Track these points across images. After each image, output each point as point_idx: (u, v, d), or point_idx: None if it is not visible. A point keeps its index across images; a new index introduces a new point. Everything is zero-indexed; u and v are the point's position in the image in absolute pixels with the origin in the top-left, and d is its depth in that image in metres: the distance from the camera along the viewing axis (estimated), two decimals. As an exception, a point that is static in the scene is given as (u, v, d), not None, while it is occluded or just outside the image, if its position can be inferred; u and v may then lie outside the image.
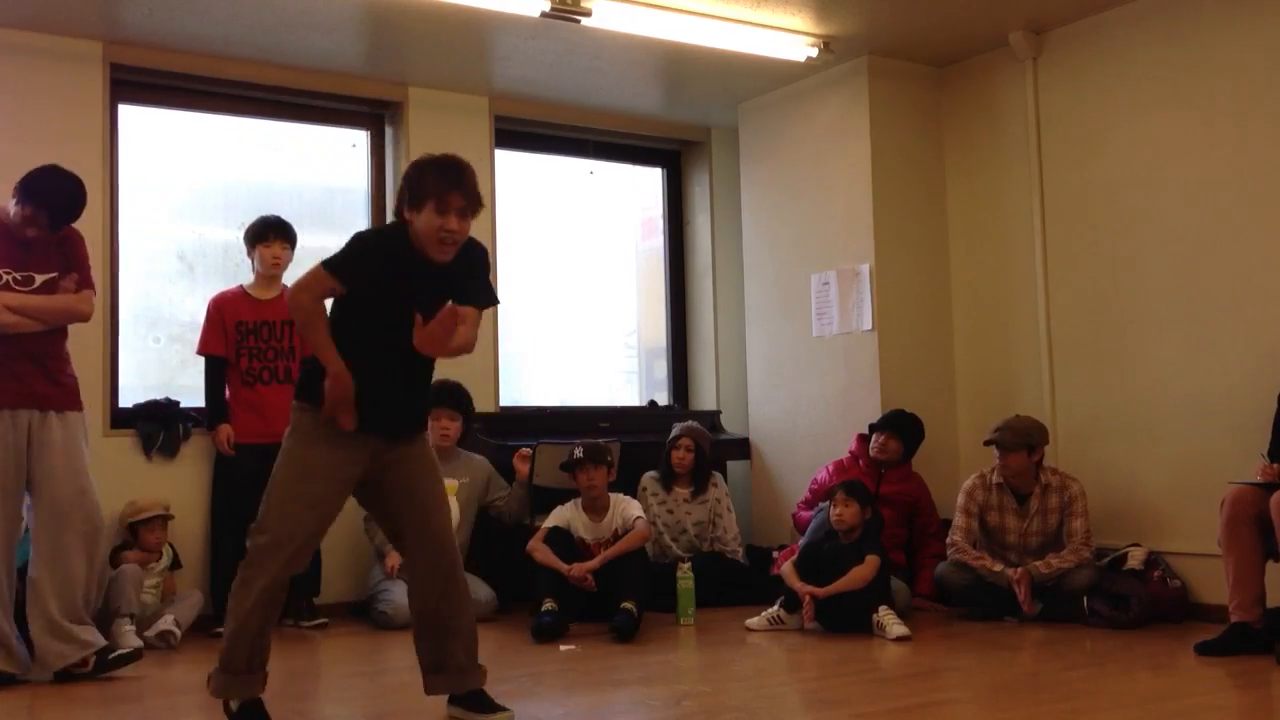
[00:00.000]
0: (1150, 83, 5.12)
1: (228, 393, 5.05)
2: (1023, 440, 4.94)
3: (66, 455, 3.92)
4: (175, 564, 4.84)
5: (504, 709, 3.25)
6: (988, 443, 5.01)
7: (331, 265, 3.05)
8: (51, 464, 3.89)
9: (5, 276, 3.91)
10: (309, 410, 3.09)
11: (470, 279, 3.21)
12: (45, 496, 3.89)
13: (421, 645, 3.27)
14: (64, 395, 3.98)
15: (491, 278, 3.43)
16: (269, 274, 5.12)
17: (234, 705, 3.10)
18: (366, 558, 5.33)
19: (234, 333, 5.02)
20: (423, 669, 3.28)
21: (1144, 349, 5.11)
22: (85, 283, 4.09)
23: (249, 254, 5.16)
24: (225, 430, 4.98)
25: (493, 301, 3.28)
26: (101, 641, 3.98)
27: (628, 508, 4.99)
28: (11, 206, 3.94)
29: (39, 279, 3.97)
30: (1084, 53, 5.38)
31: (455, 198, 3.02)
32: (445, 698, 3.29)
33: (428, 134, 5.92)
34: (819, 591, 4.64)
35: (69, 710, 3.57)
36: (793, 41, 5.47)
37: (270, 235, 5.09)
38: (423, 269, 3.08)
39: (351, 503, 5.06)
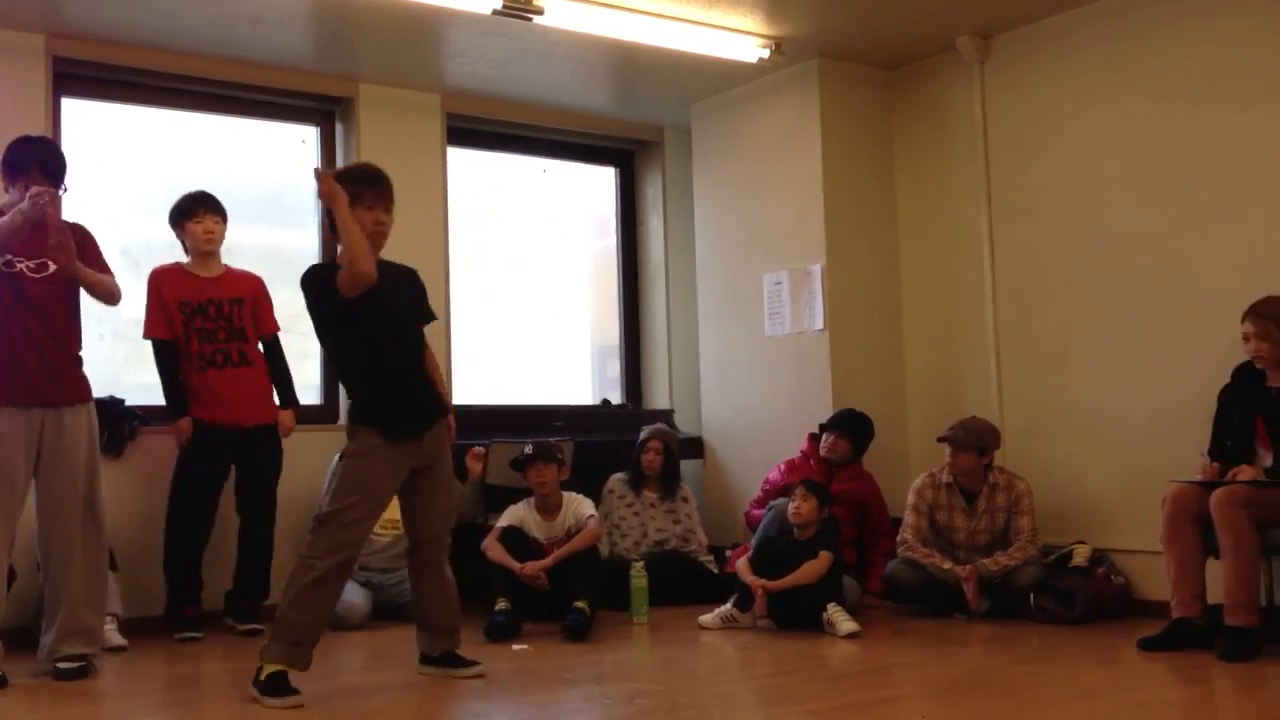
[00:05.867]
0: (1094, 86, 5.20)
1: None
2: (975, 441, 5.00)
3: (74, 450, 3.90)
4: (111, 565, 4.69)
5: (476, 663, 3.84)
6: (941, 439, 5.06)
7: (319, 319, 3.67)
8: (61, 459, 3.87)
9: (19, 264, 3.89)
10: (366, 433, 3.60)
11: (420, 298, 3.86)
12: (55, 490, 3.88)
13: (425, 613, 3.83)
14: (73, 389, 3.95)
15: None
16: (204, 250, 4.87)
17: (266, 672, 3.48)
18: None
19: (178, 313, 4.81)
20: (427, 633, 3.85)
21: (1089, 349, 5.19)
22: (103, 268, 4.13)
23: (179, 235, 4.93)
24: (186, 423, 4.78)
25: (431, 316, 3.89)
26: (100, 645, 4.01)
27: (580, 506, 4.98)
28: (7, 195, 3.91)
29: (54, 267, 3.94)
30: (1030, 57, 5.46)
31: (380, 199, 3.64)
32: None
33: (378, 131, 5.87)
34: (771, 585, 4.66)
35: (22, 711, 3.51)
36: (744, 43, 5.50)
37: (199, 210, 4.87)
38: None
39: (294, 505, 5.03)
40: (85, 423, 3.99)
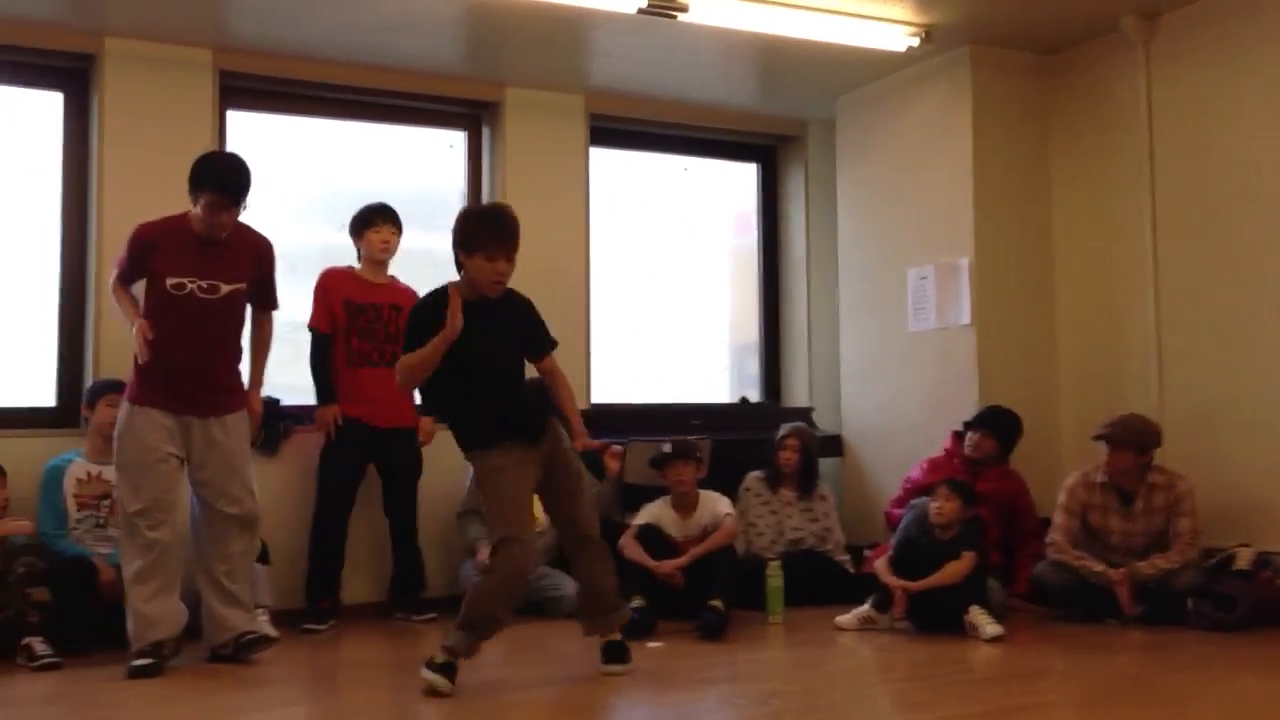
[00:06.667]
0: (1271, 69, 4.93)
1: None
2: (1134, 439, 4.81)
3: (226, 455, 4.12)
4: (264, 558, 4.80)
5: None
6: (1097, 437, 4.88)
7: (405, 351, 3.69)
8: (214, 465, 4.10)
9: (190, 285, 4.08)
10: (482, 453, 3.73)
11: (532, 330, 3.86)
12: (209, 494, 4.13)
13: (587, 603, 3.95)
14: (227, 401, 4.17)
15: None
16: (377, 259, 5.15)
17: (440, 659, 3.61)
18: (459, 553, 5.40)
19: (342, 311, 5.06)
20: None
21: (1258, 342, 4.95)
22: (272, 303, 4.39)
23: (356, 242, 5.20)
24: (334, 410, 5.01)
25: (552, 344, 3.91)
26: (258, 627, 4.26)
27: (717, 505, 4.98)
28: (194, 210, 4.13)
29: (225, 288, 4.15)
30: (1200, 37, 5.21)
31: (501, 250, 3.64)
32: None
33: (524, 134, 5.99)
34: (912, 586, 4.58)
35: (192, 694, 3.72)
36: (892, 32, 5.41)
37: (378, 220, 5.14)
38: (475, 312, 3.60)
39: (435, 501, 5.08)
40: (237, 430, 4.20)
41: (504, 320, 3.73)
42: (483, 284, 3.66)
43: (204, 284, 4.09)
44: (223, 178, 4.11)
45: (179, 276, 4.06)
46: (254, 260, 4.27)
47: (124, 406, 4.10)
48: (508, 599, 3.62)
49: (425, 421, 5.17)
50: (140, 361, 4.02)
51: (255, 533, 4.27)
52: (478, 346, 3.63)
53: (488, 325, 3.65)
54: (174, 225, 4.15)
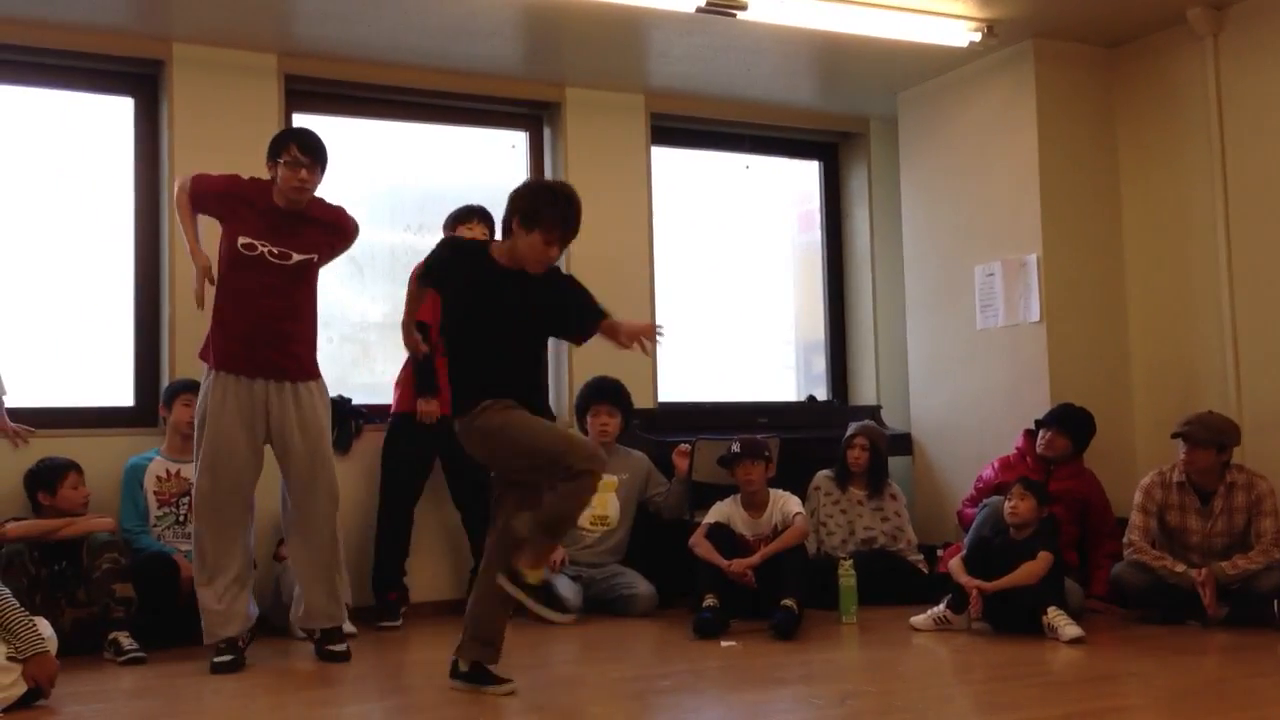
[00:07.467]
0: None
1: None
2: (1214, 438, 4.71)
3: (304, 427, 4.11)
4: None
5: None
6: (1175, 435, 4.79)
7: (420, 273, 3.67)
8: (296, 444, 4.09)
9: (261, 248, 4.10)
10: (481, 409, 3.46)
11: (578, 308, 3.61)
12: (290, 468, 4.12)
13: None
14: (300, 366, 4.15)
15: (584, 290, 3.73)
16: None
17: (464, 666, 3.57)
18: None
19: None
20: None
21: (1339, 339, 4.85)
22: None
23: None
24: (435, 405, 4.95)
25: (602, 314, 3.60)
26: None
27: (787, 503, 4.95)
28: (275, 176, 4.15)
29: (296, 257, 4.15)
30: (1270, 28, 5.11)
31: (561, 238, 3.44)
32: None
33: (585, 133, 6.00)
34: (987, 586, 4.52)
35: (264, 693, 3.74)
36: (954, 27, 5.35)
37: (474, 218, 5.16)
38: (507, 279, 3.48)
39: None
40: (315, 403, 4.17)
41: (536, 297, 3.52)
42: (530, 261, 3.46)
43: (275, 250, 4.11)
44: (302, 135, 4.20)
45: (250, 238, 4.09)
46: (330, 235, 4.29)
47: (206, 376, 4.11)
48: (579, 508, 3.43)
49: (422, 403, 5.04)
50: (198, 305, 4.08)
51: (336, 511, 4.23)
52: (501, 315, 3.47)
53: (517, 298, 3.48)
54: (263, 188, 4.19)
